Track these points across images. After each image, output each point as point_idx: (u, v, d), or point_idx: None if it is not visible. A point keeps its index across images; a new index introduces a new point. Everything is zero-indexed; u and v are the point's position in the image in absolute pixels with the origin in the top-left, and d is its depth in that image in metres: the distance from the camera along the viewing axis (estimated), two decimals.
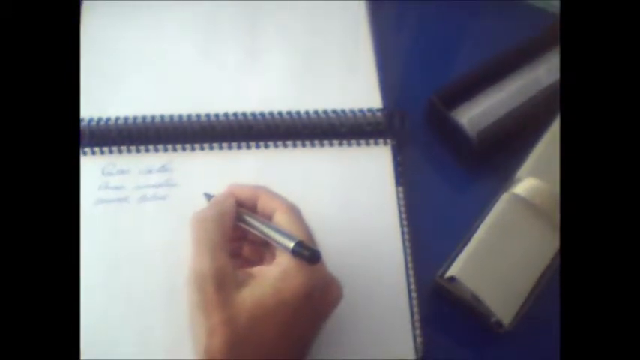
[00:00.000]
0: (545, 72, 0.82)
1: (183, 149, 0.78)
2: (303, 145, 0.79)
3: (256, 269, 0.59)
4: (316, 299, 0.58)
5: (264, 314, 0.55)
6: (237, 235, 0.64)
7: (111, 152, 0.77)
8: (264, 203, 0.63)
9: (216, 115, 0.80)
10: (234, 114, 0.80)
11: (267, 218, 0.62)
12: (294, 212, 0.61)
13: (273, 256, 0.60)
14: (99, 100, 0.80)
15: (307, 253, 0.56)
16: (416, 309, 0.70)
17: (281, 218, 0.60)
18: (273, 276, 0.56)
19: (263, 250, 0.65)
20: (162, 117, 0.79)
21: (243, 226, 0.63)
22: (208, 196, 0.67)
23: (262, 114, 0.80)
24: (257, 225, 0.61)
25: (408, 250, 0.73)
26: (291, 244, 0.56)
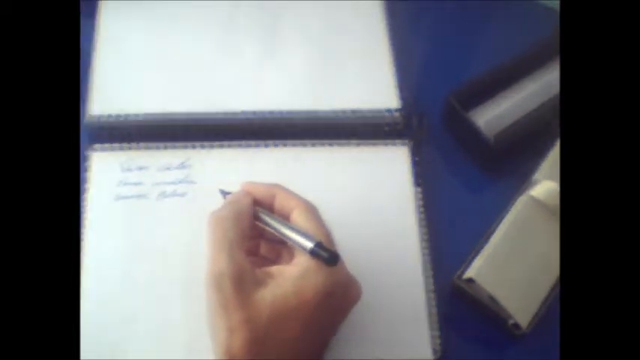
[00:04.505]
0: None
1: (202, 146, 0.78)
2: (321, 145, 0.79)
3: (275, 269, 0.58)
4: (336, 299, 0.58)
5: (285, 314, 0.55)
6: (254, 233, 0.64)
7: (130, 148, 0.77)
8: (281, 202, 0.63)
9: (235, 113, 0.79)
10: (253, 112, 0.79)
11: (285, 217, 0.62)
12: (313, 211, 0.61)
13: (290, 255, 0.60)
14: (118, 96, 0.80)
15: (326, 254, 0.56)
16: (433, 310, 0.70)
17: (299, 217, 0.60)
18: (293, 276, 0.56)
19: (280, 248, 0.65)
20: (181, 114, 0.79)
21: (260, 225, 0.62)
22: (224, 193, 0.67)
23: (281, 112, 0.80)
24: (275, 224, 0.61)
25: (426, 251, 0.73)
26: (310, 245, 0.56)
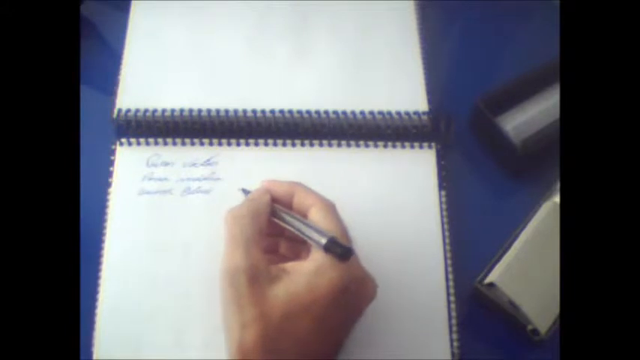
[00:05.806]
0: None
1: (229, 144, 0.78)
2: (348, 145, 0.79)
3: (290, 265, 0.59)
4: (351, 295, 0.58)
5: (298, 309, 0.55)
6: (275, 231, 0.64)
7: (156, 144, 0.78)
8: (299, 199, 0.63)
9: (263, 112, 0.80)
10: (281, 111, 0.80)
11: (303, 214, 0.62)
12: (330, 208, 0.61)
13: (309, 253, 0.60)
14: (147, 91, 0.81)
15: (339, 249, 0.56)
16: (453, 313, 0.70)
17: (316, 215, 0.60)
18: (307, 271, 0.57)
19: (300, 246, 0.65)
20: (209, 111, 0.79)
21: (278, 222, 0.63)
22: (246, 192, 0.67)
23: (308, 112, 0.80)
24: (291, 221, 0.61)
25: (448, 255, 0.73)
26: (324, 241, 0.57)
